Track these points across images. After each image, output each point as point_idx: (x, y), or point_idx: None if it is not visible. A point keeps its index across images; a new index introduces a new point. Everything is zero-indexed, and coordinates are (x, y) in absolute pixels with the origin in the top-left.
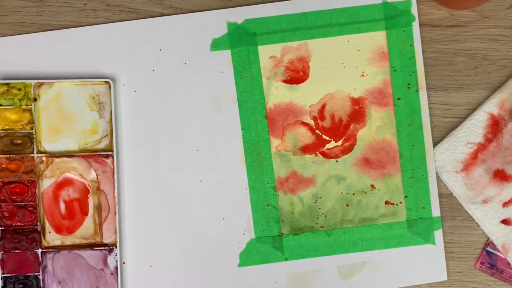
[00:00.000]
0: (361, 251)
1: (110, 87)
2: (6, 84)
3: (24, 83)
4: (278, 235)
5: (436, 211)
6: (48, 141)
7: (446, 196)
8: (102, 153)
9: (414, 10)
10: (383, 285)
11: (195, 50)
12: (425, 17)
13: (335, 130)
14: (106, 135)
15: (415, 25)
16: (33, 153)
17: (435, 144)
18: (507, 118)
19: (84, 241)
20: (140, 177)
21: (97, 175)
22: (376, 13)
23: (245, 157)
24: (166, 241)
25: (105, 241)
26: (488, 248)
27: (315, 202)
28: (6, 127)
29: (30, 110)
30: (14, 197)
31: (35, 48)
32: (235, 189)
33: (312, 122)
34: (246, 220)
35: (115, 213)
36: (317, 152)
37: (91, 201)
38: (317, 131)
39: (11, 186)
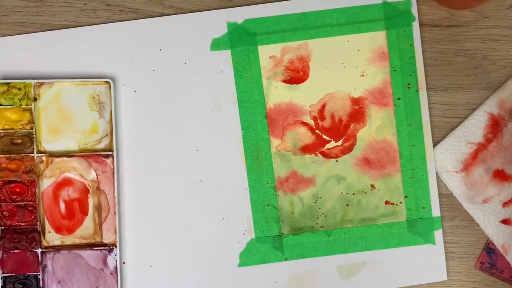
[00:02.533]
0: (361, 251)
1: (110, 87)
2: (6, 83)
3: (24, 83)
4: (278, 235)
5: (436, 211)
6: (48, 141)
7: (446, 196)
8: (102, 153)
9: (414, 10)
10: (383, 285)
11: (195, 50)
12: (425, 17)
13: (335, 130)
14: (106, 135)
15: (415, 25)
16: (33, 153)
17: (435, 144)
18: (507, 118)
19: (84, 241)
20: (140, 177)
21: (97, 175)
22: (376, 13)
23: (245, 157)
24: (166, 241)
25: (105, 241)
26: (488, 248)
27: (315, 202)
28: (6, 126)
29: (30, 110)
30: (14, 197)
31: (35, 48)
32: (235, 189)
33: (312, 122)
34: (246, 220)
35: (115, 213)
36: (317, 152)
37: (91, 201)
38: (317, 131)
39: (11, 185)
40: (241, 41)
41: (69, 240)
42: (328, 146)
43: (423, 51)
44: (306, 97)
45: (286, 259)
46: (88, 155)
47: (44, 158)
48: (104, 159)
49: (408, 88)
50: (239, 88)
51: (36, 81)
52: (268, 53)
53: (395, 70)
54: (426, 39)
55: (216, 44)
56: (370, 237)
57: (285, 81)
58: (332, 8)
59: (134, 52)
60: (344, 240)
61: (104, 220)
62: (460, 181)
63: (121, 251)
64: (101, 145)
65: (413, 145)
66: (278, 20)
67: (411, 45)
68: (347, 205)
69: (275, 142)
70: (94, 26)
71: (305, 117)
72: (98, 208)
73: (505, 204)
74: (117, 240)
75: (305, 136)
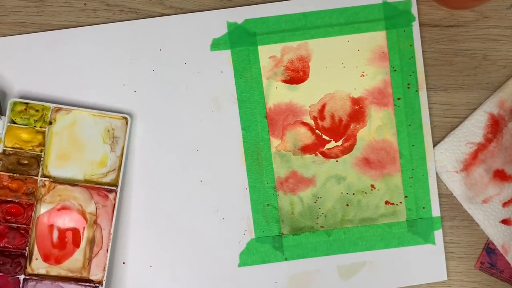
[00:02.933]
0: (361, 251)
1: (127, 123)
2: (25, 103)
3: (43, 105)
4: (278, 235)
5: (436, 211)
6: (54, 166)
7: (446, 196)
8: (106, 187)
9: (414, 10)
10: (383, 285)
11: (195, 50)
12: (425, 17)
13: (335, 130)
14: (114, 169)
15: (415, 25)
16: (37, 176)
17: (435, 144)
18: (507, 118)
19: (70, 274)
20: (140, 177)
21: (96, 208)
22: (376, 13)
23: (245, 157)
24: (166, 241)
25: (92, 277)
26: (488, 248)
27: (315, 202)
28: (16, 145)
29: (43, 133)
30: (9, 217)
31: (35, 48)
32: (235, 189)
33: (312, 122)
34: (246, 220)
35: (107, 250)
36: (317, 152)
37: (86, 234)
38: (317, 131)
39: (8, 205)
40: (241, 41)
41: (55, 270)
42: (328, 146)
43: (423, 51)
44: (306, 97)
45: (286, 259)
46: (92, 186)
47: (47, 183)
48: (107, 193)
49: (408, 88)
50: (239, 88)
51: (55, 105)
52: (268, 53)
53: (395, 70)
54: (426, 39)
55: (216, 44)
56: (370, 237)
57: (285, 81)
58: (332, 8)
59: (134, 52)
60: (344, 240)
61: (94, 256)
62: (460, 181)
63: None
64: (107, 179)
65: (413, 145)
66: (278, 20)
67: (411, 45)
68: (347, 205)
69: (275, 142)
70: (94, 26)
71: (305, 117)
72: (91, 242)
73: (505, 204)
74: (104, 278)
75: (305, 136)
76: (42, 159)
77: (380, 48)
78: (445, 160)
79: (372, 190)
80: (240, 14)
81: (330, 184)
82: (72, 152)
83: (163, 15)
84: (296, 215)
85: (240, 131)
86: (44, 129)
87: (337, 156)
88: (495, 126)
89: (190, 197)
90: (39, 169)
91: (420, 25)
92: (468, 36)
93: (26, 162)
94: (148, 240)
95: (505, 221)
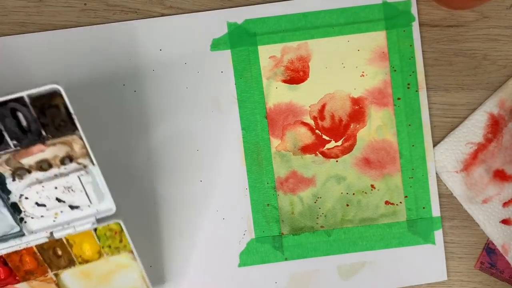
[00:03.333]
0: (361, 251)
1: None
2: (121, 229)
3: (127, 241)
4: (278, 235)
5: (436, 211)
6: (70, 275)
7: (446, 196)
8: None
9: (414, 10)
10: (383, 285)
11: (195, 50)
12: (425, 17)
13: (335, 130)
14: None
15: (415, 25)
16: (52, 272)
17: (435, 144)
18: (507, 118)
19: None
20: (140, 176)
21: None
22: (376, 13)
23: (245, 157)
24: (166, 241)
25: None
26: (488, 248)
27: (315, 202)
28: (71, 243)
29: (102, 257)
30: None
31: (35, 48)
32: (235, 189)
33: (312, 122)
34: (246, 220)
35: None
36: (317, 152)
37: None
38: (317, 131)
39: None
40: (241, 41)
41: None
42: (328, 146)
43: (423, 51)
44: (306, 97)
45: (286, 259)
46: None
47: (49, 278)
48: None
49: (408, 88)
50: (239, 88)
51: (132, 245)
52: (268, 53)
53: (395, 70)
54: (426, 39)
55: (216, 44)
56: (370, 237)
57: (285, 81)
58: (332, 8)
59: (134, 52)
60: (344, 240)
61: None
62: (460, 181)
63: None
64: None
65: (413, 145)
66: (278, 20)
67: (411, 45)
68: (347, 205)
69: (275, 142)
70: (94, 26)
71: (305, 117)
72: None
73: (505, 204)
74: None
75: (305, 136)
76: (73, 268)
77: (380, 48)
78: (445, 160)
79: (372, 190)
80: (240, 14)
81: (330, 184)
82: (97, 280)
83: (163, 15)
84: (296, 215)
85: (240, 131)
86: (108, 257)
87: (337, 156)
88: (495, 126)
89: (190, 197)
90: (62, 270)
91: (420, 25)
92: (468, 36)
93: (60, 255)
94: (148, 240)
95: (505, 221)
